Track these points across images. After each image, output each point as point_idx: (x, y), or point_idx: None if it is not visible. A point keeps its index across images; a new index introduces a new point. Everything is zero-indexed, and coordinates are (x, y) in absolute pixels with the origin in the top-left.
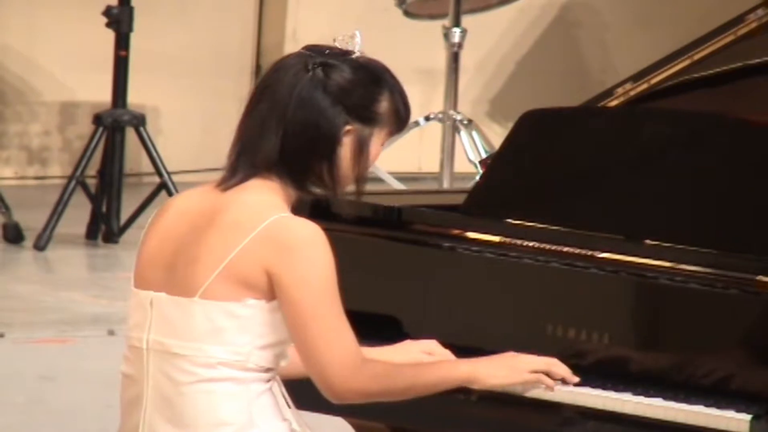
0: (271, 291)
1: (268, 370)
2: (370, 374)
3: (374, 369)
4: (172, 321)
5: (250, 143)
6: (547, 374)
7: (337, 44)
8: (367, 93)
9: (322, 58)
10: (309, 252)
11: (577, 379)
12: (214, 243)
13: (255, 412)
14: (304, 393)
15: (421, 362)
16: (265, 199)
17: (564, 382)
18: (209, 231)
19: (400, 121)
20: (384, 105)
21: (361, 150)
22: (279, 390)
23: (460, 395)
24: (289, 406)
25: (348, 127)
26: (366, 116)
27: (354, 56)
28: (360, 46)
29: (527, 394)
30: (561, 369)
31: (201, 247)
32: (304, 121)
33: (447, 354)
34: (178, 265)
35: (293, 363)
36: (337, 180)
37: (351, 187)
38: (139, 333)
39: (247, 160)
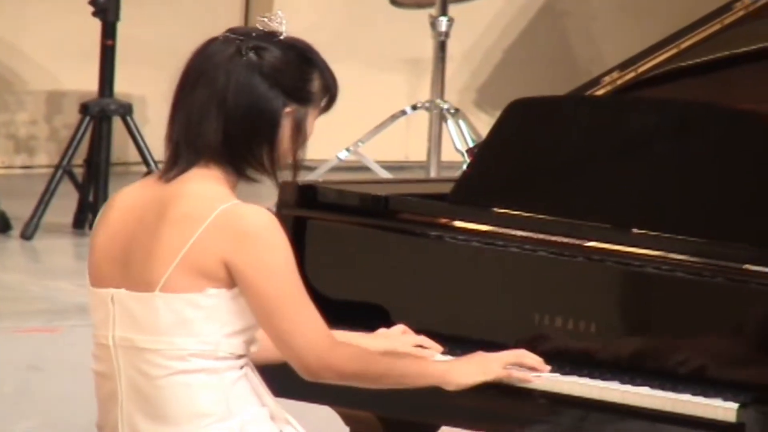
0: (230, 279)
1: (240, 356)
2: (344, 354)
3: (348, 350)
4: (136, 316)
5: (190, 131)
6: (520, 366)
7: (259, 25)
8: (300, 73)
9: (253, 42)
10: (266, 238)
11: (548, 368)
12: (167, 236)
13: (232, 400)
14: (290, 382)
15: (397, 354)
16: (211, 189)
17: (536, 370)
18: (160, 225)
19: (331, 98)
20: (316, 84)
21: (298, 130)
22: (254, 375)
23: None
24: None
25: (287, 109)
26: (301, 96)
27: (281, 37)
28: (285, 25)
29: (507, 382)
30: (531, 359)
31: (154, 241)
32: (245, 105)
33: (424, 341)
34: (132, 260)
35: (265, 348)
36: (276, 162)
37: (288, 170)
38: (104, 331)
39: (187, 149)
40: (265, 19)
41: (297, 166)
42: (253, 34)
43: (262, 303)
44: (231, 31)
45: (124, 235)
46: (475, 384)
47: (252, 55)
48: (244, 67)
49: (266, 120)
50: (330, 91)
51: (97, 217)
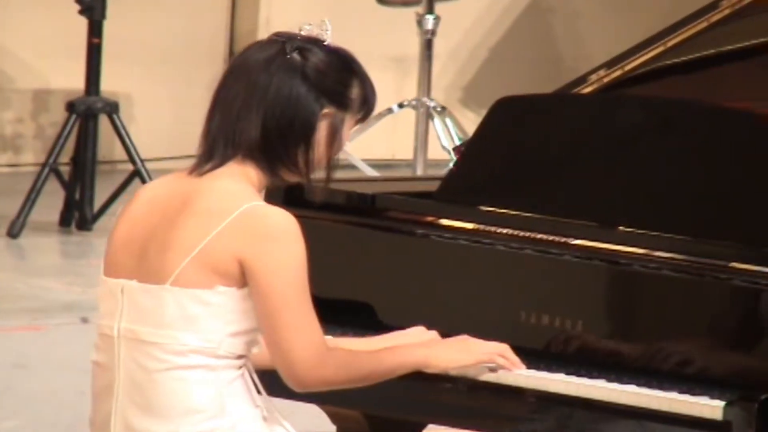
0: (242, 278)
1: (239, 357)
2: (333, 364)
3: (337, 358)
4: (144, 309)
5: (228, 127)
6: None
7: (303, 32)
8: (341, 78)
9: (297, 43)
10: (283, 241)
11: (524, 367)
12: (186, 230)
13: (227, 398)
14: (278, 381)
15: (379, 349)
16: (238, 188)
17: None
18: (181, 218)
19: (368, 108)
20: (355, 91)
21: (334, 135)
22: (250, 376)
23: (440, 383)
24: (259, 393)
25: (324, 111)
26: (340, 101)
27: (325, 43)
28: (330, 33)
29: (480, 378)
30: (511, 356)
31: (173, 233)
32: (284, 103)
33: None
34: (149, 252)
35: (263, 353)
36: (311, 165)
37: (321, 173)
38: (110, 321)
39: (224, 144)
40: (311, 26)
41: (331, 170)
42: (298, 38)
43: (264, 303)
44: (276, 34)
45: (144, 228)
46: (456, 368)
47: (296, 55)
48: (286, 67)
49: (303, 120)
50: (367, 102)
51: (122, 208)
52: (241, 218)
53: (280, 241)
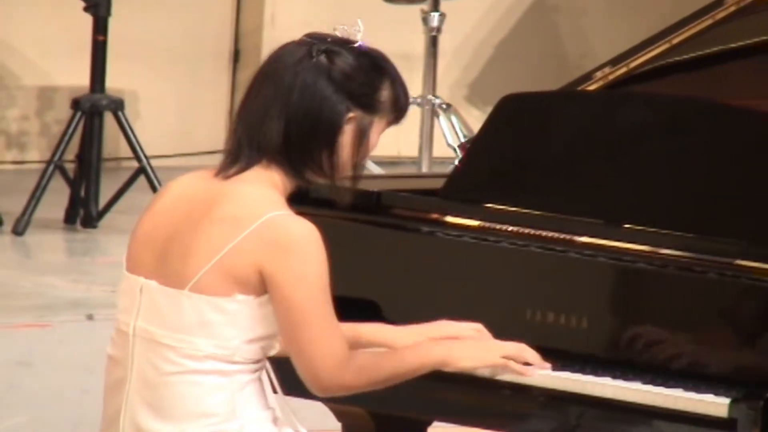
0: (261, 287)
1: (256, 361)
2: (355, 369)
3: (359, 363)
4: (161, 310)
5: (253, 129)
6: (518, 359)
7: (338, 33)
8: (370, 80)
9: (325, 45)
10: (303, 249)
11: (548, 366)
12: (209, 236)
13: (239, 402)
14: (285, 379)
15: (399, 349)
16: (263, 194)
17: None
18: (205, 223)
19: (399, 110)
20: (385, 93)
21: (361, 138)
22: (267, 377)
23: (444, 381)
24: (275, 392)
25: (350, 114)
26: (367, 104)
27: (356, 44)
28: (362, 35)
29: (497, 377)
30: (531, 354)
31: (196, 238)
32: (308, 106)
33: (484, 333)
34: (171, 254)
35: None
36: (336, 168)
37: (348, 176)
38: (126, 318)
39: (249, 147)
40: (344, 27)
41: (358, 173)
42: (329, 39)
43: (286, 313)
44: (307, 35)
45: (168, 226)
46: (474, 368)
47: (322, 57)
48: (312, 69)
49: (326, 122)
50: (399, 104)
51: (149, 203)
52: (262, 228)
53: (301, 253)
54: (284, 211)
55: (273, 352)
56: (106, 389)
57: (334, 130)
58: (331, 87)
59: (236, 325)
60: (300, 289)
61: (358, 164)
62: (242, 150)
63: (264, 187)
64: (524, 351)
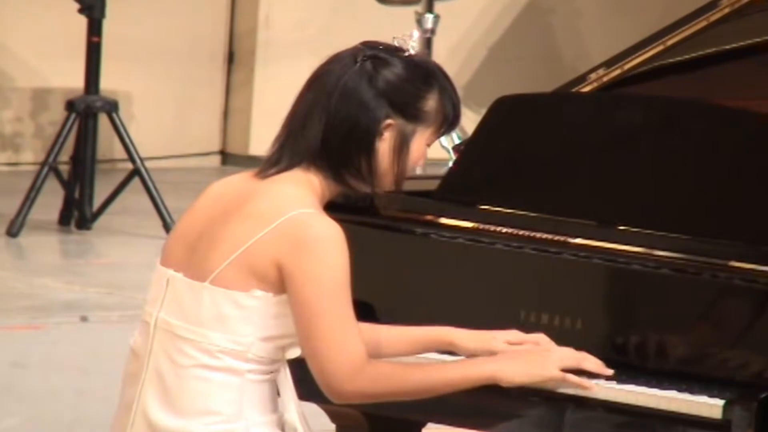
0: (279, 284)
1: (272, 361)
2: (370, 377)
3: (376, 371)
4: (183, 303)
5: (294, 133)
6: (578, 370)
7: (395, 42)
8: (414, 89)
9: (372, 52)
10: (324, 249)
11: (610, 372)
12: (234, 230)
13: (246, 403)
14: (303, 384)
15: (439, 362)
16: (295, 193)
17: (595, 376)
18: (234, 217)
19: (446, 121)
20: (430, 103)
21: (401, 146)
22: (283, 380)
23: None
24: (300, 399)
25: (389, 121)
26: (409, 112)
27: (407, 53)
28: (415, 44)
29: (558, 390)
30: (592, 364)
31: (222, 232)
32: (346, 110)
33: (541, 339)
34: (199, 246)
35: None
36: (376, 174)
37: (390, 184)
38: (151, 308)
39: (290, 150)
40: (401, 36)
41: (398, 181)
42: (380, 47)
43: (302, 312)
44: (362, 42)
45: (203, 222)
46: (530, 384)
47: (368, 63)
48: (354, 74)
49: (365, 126)
50: (446, 115)
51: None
52: (285, 225)
53: (320, 252)
54: (311, 210)
55: (293, 355)
56: (122, 379)
57: (372, 135)
58: (371, 92)
59: (252, 322)
60: (314, 287)
61: (399, 173)
62: (284, 152)
63: (297, 187)
64: (583, 361)
